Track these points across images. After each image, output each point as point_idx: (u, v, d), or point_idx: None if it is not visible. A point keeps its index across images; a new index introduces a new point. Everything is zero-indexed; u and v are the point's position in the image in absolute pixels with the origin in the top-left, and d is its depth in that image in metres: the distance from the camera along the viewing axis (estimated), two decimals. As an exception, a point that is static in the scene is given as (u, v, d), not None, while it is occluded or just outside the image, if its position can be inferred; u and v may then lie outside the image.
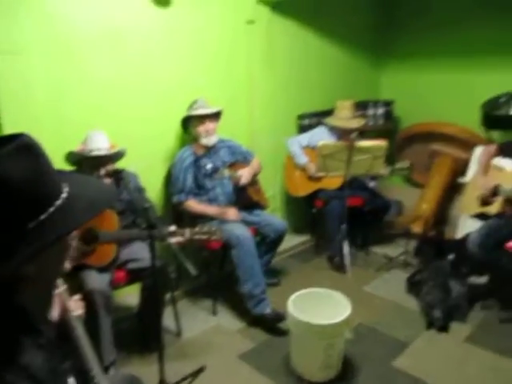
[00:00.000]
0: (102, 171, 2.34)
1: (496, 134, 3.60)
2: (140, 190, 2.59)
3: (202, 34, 3.22)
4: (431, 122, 4.19)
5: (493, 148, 3.02)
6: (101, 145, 2.35)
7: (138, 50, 2.90)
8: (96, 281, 2.25)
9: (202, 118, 2.94)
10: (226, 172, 3.01)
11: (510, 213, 2.81)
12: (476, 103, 3.51)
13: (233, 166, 3.12)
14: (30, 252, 0.71)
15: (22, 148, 0.73)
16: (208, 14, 3.22)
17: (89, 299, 2.15)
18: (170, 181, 3.08)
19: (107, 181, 2.37)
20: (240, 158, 3.21)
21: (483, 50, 3.94)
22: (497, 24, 3.81)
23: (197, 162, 3.00)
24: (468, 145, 3.92)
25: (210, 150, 3.05)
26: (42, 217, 0.74)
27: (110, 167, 2.39)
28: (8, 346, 0.73)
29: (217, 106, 3.00)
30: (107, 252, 2.37)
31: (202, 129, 2.95)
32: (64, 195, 0.78)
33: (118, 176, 2.30)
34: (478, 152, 3.38)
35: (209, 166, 3.01)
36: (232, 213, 2.93)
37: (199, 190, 3.01)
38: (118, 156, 2.47)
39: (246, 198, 3.12)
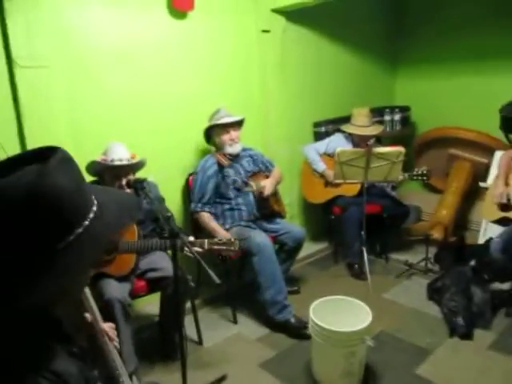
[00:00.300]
0: (123, 181, 2.38)
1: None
2: (160, 200, 2.62)
3: (217, 45, 3.26)
4: (448, 126, 4.16)
5: (513, 152, 2.98)
6: (122, 155, 2.39)
7: (155, 61, 2.95)
8: (116, 290, 2.26)
9: (226, 127, 2.96)
10: (253, 184, 3.02)
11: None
12: (492, 107, 3.46)
13: (255, 175, 3.12)
14: (75, 260, 0.73)
15: (64, 161, 0.75)
16: (223, 24, 3.26)
17: (107, 308, 2.17)
18: (189, 190, 3.09)
19: (128, 191, 2.40)
20: (262, 168, 3.22)
21: (496, 54, 3.93)
22: (509, 30, 3.79)
23: (221, 171, 3.00)
24: (486, 149, 3.88)
25: (233, 159, 3.06)
26: (86, 222, 0.76)
27: (131, 177, 2.43)
28: (41, 353, 0.75)
29: (239, 115, 3.02)
30: (126, 261, 2.38)
31: (226, 137, 2.97)
32: (96, 205, 0.80)
33: (138, 185, 2.33)
34: (499, 156, 3.33)
35: (237, 178, 3.01)
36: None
37: (221, 199, 3.01)
38: (138, 166, 2.51)
39: (267, 208, 3.11)
